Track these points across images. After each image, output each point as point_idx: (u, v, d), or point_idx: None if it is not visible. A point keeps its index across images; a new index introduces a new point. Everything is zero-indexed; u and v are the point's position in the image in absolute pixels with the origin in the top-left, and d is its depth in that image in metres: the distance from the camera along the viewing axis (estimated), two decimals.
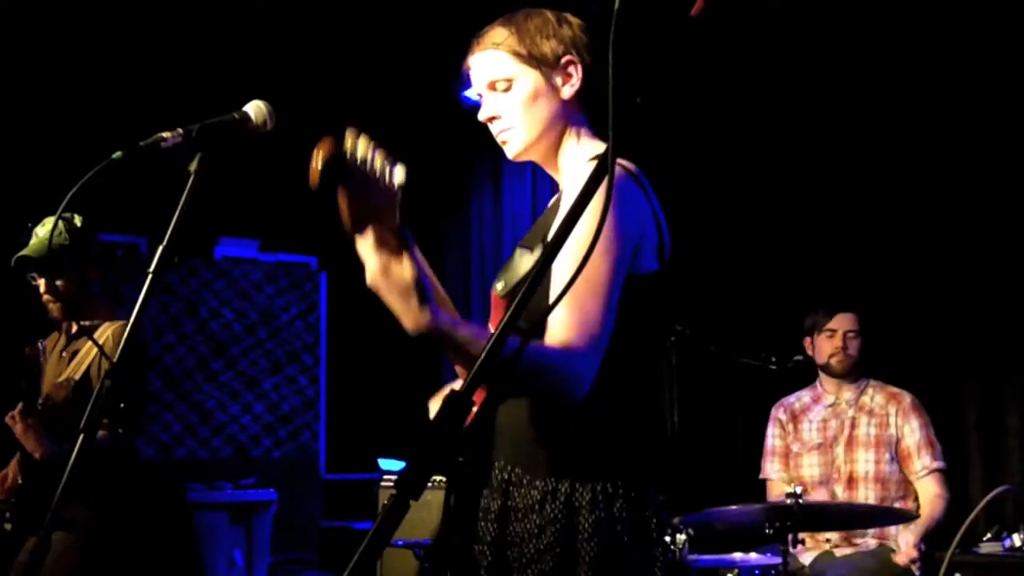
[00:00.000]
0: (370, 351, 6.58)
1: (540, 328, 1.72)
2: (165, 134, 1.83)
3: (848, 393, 4.17)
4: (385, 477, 5.03)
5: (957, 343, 4.75)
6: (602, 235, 1.65)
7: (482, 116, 1.97)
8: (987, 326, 4.67)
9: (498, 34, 1.95)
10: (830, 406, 4.19)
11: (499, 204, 6.49)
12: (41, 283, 3.54)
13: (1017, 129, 4.51)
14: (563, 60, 1.92)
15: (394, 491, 1.23)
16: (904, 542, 3.83)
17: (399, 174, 1.58)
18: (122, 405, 3.24)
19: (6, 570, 3.47)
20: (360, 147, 1.60)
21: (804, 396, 4.29)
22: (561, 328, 1.68)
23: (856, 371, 4.17)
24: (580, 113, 1.96)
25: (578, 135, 1.96)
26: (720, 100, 5.07)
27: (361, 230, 1.55)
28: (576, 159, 1.93)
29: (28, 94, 5.40)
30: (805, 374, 4.24)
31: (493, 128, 1.96)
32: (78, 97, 5.50)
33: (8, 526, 3.53)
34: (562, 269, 1.68)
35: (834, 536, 3.99)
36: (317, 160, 1.56)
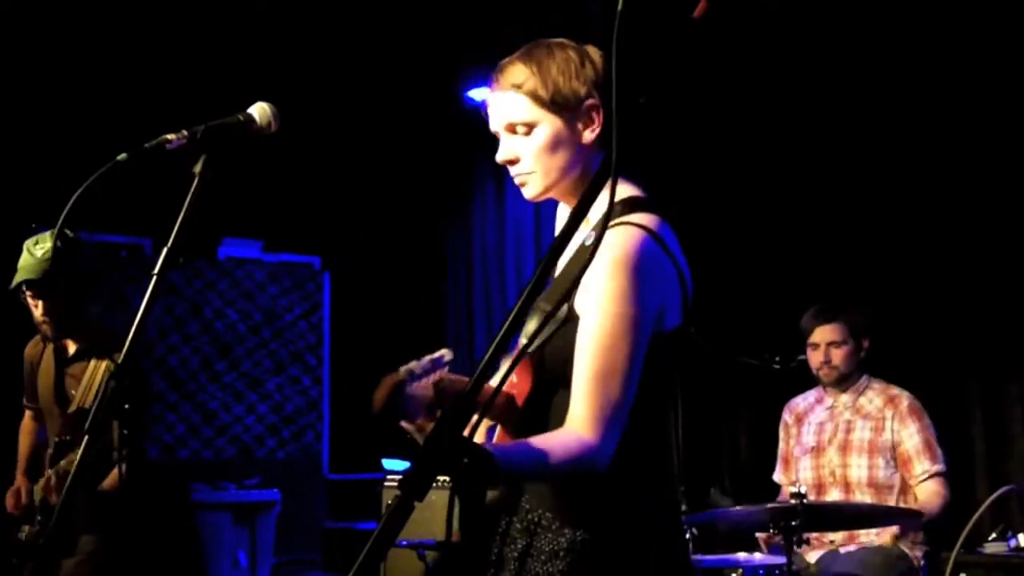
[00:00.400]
0: (373, 351, 6.59)
1: (556, 380, 1.78)
2: (170, 136, 1.83)
3: (846, 396, 4.14)
4: (389, 477, 5.04)
5: (961, 342, 4.75)
6: (623, 313, 1.73)
7: (500, 158, 1.93)
8: (991, 325, 4.67)
9: (519, 73, 1.89)
10: (828, 408, 4.17)
11: (502, 205, 6.49)
12: (39, 304, 3.52)
13: (1017, 128, 4.51)
14: (586, 104, 1.87)
15: (398, 492, 1.23)
16: (891, 531, 3.82)
17: (447, 354, 1.75)
18: (127, 407, 3.24)
19: None
20: (412, 366, 1.75)
21: (810, 397, 4.28)
22: (582, 416, 1.71)
23: (850, 377, 4.13)
24: (601, 154, 1.91)
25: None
26: (724, 100, 5.07)
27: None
28: (602, 201, 1.92)
29: (33, 96, 5.41)
30: (809, 375, 4.23)
31: (511, 170, 1.92)
32: (83, 99, 5.51)
33: (23, 536, 3.54)
34: (585, 336, 1.73)
35: (838, 536, 3.99)
36: (380, 393, 1.75)
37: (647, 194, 1.90)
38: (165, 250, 1.82)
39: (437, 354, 1.74)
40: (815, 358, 4.12)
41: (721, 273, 5.11)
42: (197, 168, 1.84)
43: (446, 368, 1.73)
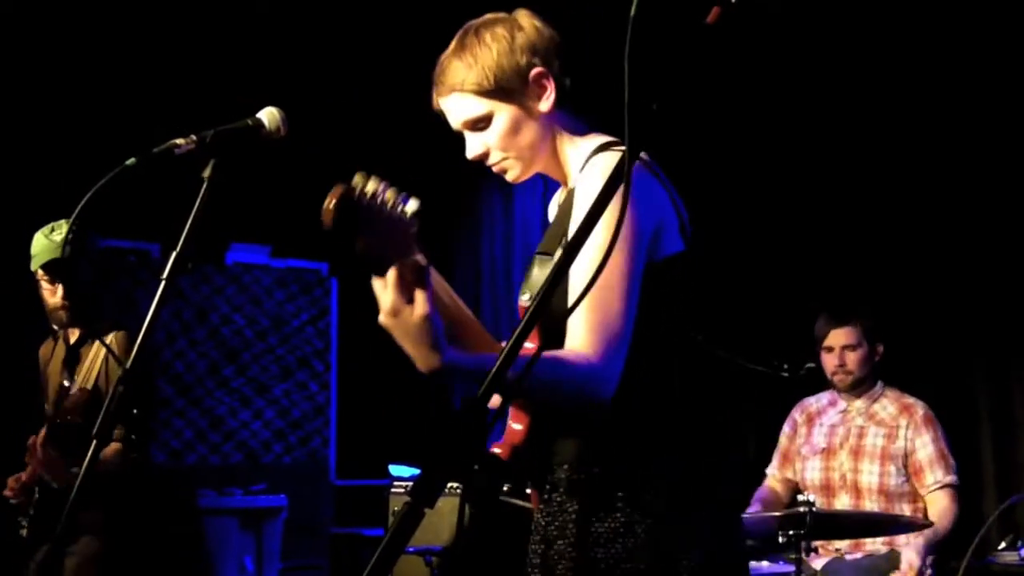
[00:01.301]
0: (380, 357, 6.57)
1: (561, 333, 1.71)
2: (179, 141, 1.82)
3: (860, 401, 4.13)
4: (396, 483, 5.02)
5: (970, 350, 4.74)
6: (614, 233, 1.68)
7: (470, 156, 1.92)
8: (1001, 332, 4.65)
9: (456, 73, 1.87)
10: (841, 412, 4.16)
11: (510, 208, 6.49)
12: (58, 289, 3.50)
13: (1018, 127, 4.50)
14: (531, 76, 1.86)
15: (406, 498, 1.22)
16: (907, 560, 3.76)
17: (412, 204, 1.63)
18: (135, 411, 3.23)
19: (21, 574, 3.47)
20: (369, 185, 1.63)
21: (823, 398, 4.27)
22: (580, 334, 1.67)
23: (864, 382, 4.11)
24: (563, 114, 1.91)
25: (571, 137, 1.92)
26: (734, 107, 5.06)
27: (379, 270, 1.56)
28: (580, 156, 1.89)
29: (39, 101, 5.41)
30: (817, 381, 4.22)
31: (486, 162, 1.92)
32: (91, 104, 5.51)
33: (23, 531, 3.53)
34: (579, 272, 1.66)
35: (844, 544, 3.97)
36: (329, 202, 1.59)
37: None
38: (173, 255, 1.82)
39: (403, 196, 1.65)
40: (829, 362, 4.10)
41: (730, 279, 5.10)
42: (206, 173, 1.84)
43: (415, 222, 1.61)
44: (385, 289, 1.57)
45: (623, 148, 1.74)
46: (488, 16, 1.92)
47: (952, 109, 4.67)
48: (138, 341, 1.82)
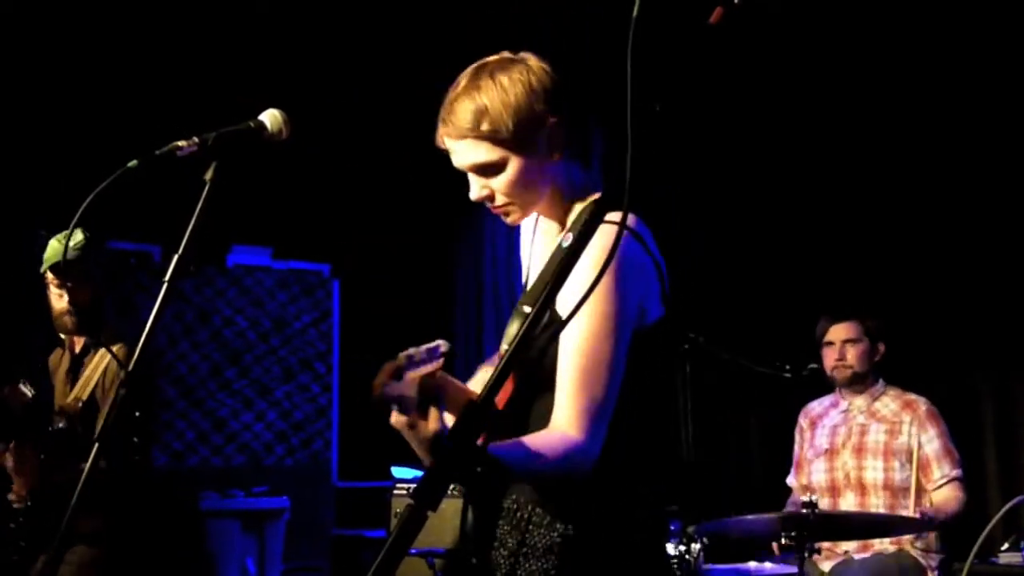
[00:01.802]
0: (382, 358, 6.56)
1: (534, 381, 1.75)
2: (181, 143, 1.82)
3: (861, 400, 4.14)
4: (398, 485, 5.01)
5: (973, 351, 4.73)
6: (605, 311, 1.70)
7: (474, 198, 1.87)
8: (1005, 333, 4.65)
9: (470, 115, 1.80)
10: (843, 412, 4.17)
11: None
12: (64, 292, 3.49)
13: (1019, 126, 4.50)
14: (547, 125, 1.81)
15: (408, 500, 1.22)
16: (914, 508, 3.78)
17: (444, 347, 1.67)
18: (137, 414, 3.22)
19: None
20: (412, 351, 1.66)
21: (825, 401, 4.29)
22: (567, 414, 1.71)
23: (864, 378, 4.13)
24: (565, 162, 1.87)
25: (570, 188, 1.89)
26: (738, 110, 5.06)
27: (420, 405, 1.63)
28: (574, 211, 1.88)
29: (41, 103, 5.41)
30: (820, 382, 4.22)
31: (488, 204, 1.88)
32: (93, 106, 5.51)
33: (23, 543, 3.51)
34: (569, 332, 1.71)
35: (852, 545, 3.97)
36: (380, 379, 1.69)
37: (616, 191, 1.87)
38: (175, 257, 1.81)
39: (434, 344, 1.68)
40: (830, 356, 4.13)
41: (733, 282, 5.10)
42: (208, 175, 1.83)
43: (442, 360, 1.67)
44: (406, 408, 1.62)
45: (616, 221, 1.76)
46: (498, 57, 1.87)
47: (956, 108, 4.66)
48: (140, 343, 1.82)
